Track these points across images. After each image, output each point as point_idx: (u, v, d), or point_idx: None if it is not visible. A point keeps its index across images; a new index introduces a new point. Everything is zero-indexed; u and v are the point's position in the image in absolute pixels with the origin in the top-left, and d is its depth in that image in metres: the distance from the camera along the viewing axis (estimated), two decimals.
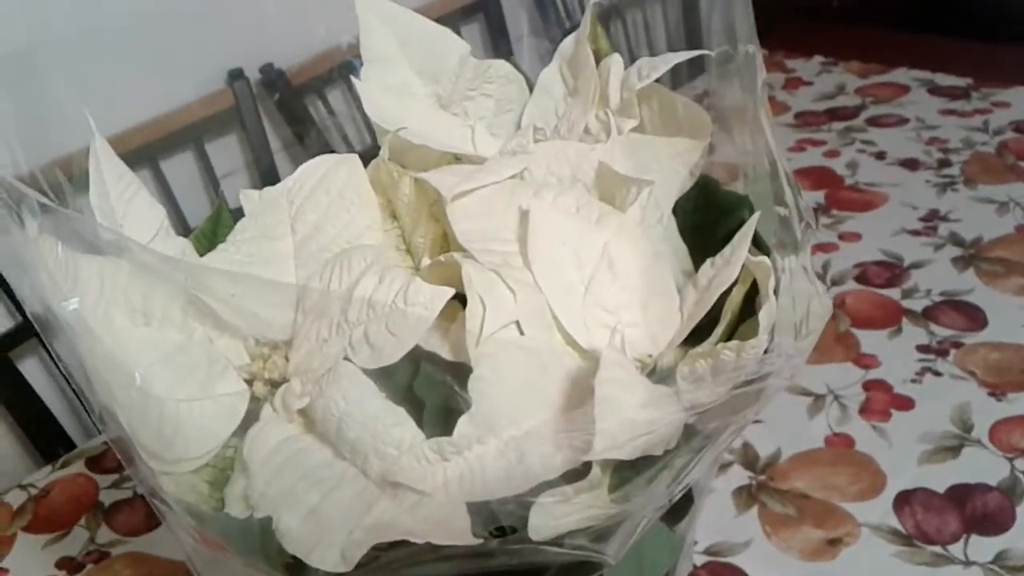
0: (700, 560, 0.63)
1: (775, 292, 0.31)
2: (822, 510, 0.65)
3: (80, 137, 0.36)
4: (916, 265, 0.90)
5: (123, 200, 0.35)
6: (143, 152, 1.09)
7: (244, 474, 0.30)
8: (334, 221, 0.36)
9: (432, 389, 0.32)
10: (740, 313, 0.33)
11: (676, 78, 0.42)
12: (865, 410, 0.73)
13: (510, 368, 0.30)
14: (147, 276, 0.31)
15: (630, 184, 0.36)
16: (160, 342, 0.31)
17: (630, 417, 0.27)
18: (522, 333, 0.31)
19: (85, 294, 0.30)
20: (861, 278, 0.89)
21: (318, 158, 0.38)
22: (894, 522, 0.64)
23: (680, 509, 0.32)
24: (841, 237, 0.96)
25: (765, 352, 0.30)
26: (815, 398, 0.75)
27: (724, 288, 0.32)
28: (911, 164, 1.07)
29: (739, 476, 0.69)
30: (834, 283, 0.89)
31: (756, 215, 0.33)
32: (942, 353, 0.78)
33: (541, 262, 0.33)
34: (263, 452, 0.30)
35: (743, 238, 0.32)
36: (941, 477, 0.66)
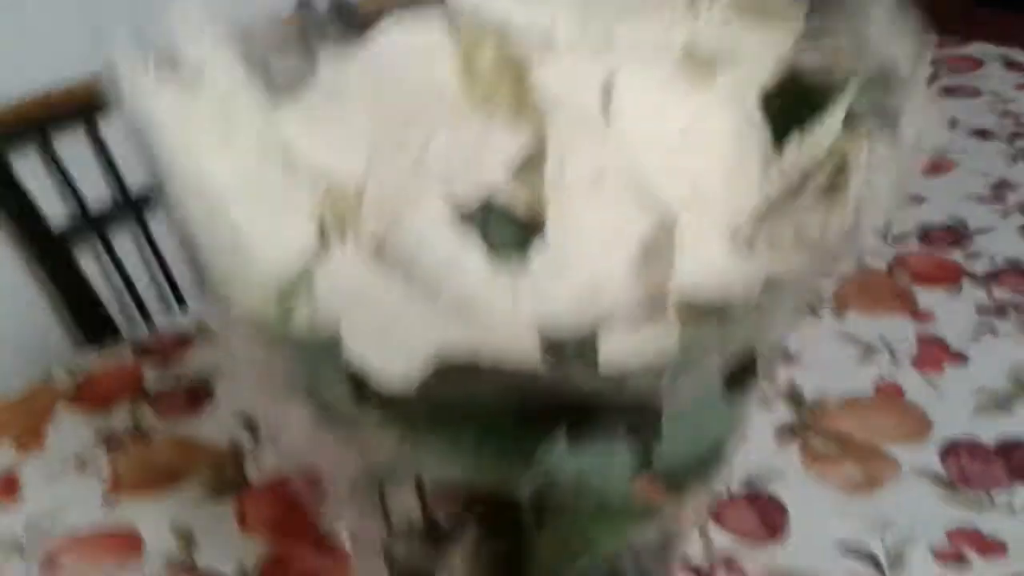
0: (738, 489, 0.63)
1: (865, 167, 0.30)
2: (865, 450, 0.65)
3: None
4: (981, 231, 0.88)
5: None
6: None
7: (311, 304, 0.31)
8: (413, 72, 0.36)
9: (504, 240, 0.32)
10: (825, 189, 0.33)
11: None
12: (918, 362, 0.72)
13: (588, 219, 0.30)
14: (229, 107, 0.32)
15: (717, 63, 0.35)
16: (239, 170, 0.32)
17: (709, 263, 0.27)
18: (601, 185, 0.31)
19: (170, 120, 0.30)
20: (924, 239, 0.88)
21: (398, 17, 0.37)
22: (938, 467, 0.63)
23: (742, 380, 0.32)
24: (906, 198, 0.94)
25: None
26: (867, 346, 0.75)
27: (811, 162, 0.32)
28: (982, 134, 1.05)
29: (782, 415, 0.69)
30: (896, 240, 0.87)
31: (849, 91, 0.32)
32: (1001, 314, 0.77)
33: (626, 122, 0.32)
34: (333, 280, 0.31)
35: (835, 112, 0.31)
36: (991, 430, 0.65)
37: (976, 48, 1.26)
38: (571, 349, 0.27)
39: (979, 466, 0.62)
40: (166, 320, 0.96)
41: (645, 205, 0.31)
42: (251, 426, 0.70)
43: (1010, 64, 1.21)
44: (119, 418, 0.73)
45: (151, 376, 0.78)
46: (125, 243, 1.16)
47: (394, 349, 0.27)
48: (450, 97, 0.36)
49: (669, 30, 0.38)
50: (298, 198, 0.33)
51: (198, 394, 0.75)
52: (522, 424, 0.29)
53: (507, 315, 0.28)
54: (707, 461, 0.32)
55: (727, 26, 0.38)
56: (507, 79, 0.37)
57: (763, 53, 0.38)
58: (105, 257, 1.12)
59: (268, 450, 0.67)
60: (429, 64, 0.37)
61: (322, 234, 0.33)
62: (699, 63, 0.36)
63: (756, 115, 0.38)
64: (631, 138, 0.33)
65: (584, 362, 0.27)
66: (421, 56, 0.37)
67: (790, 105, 0.38)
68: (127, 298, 1.15)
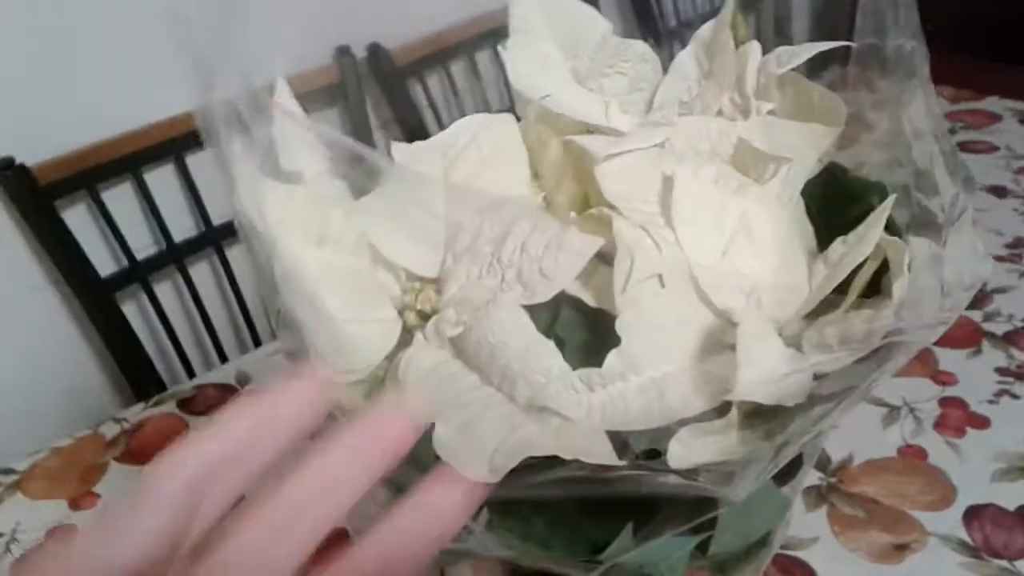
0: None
1: (907, 269, 0.33)
2: (891, 516, 0.67)
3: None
4: (1000, 290, 0.90)
5: (297, 138, 0.37)
6: None
7: (397, 392, 0.33)
8: (485, 174, 0.39)
9: (572, 331, 0.34)
10: (865, 292, 0.35)
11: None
12: (940, 425, 0.74)
13: (654, 315, 0.32)
14: (323, 204, 0.34)
15: (769, 160, 0.38)
16: (331, 265, 0.34)
17: (768, 367, 0.30)
18: (663, 286, 0.33)
19: (270, 213, 0.33)
20: None
21: (473, 116, 0.40)
22: (963, 534, 0.65)
23: (789, 471, 0.34)
24: None
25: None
26: (890, 409, 0.76)
27: (855, 264, 0.34)
28: (999, 192, 1.07)
29: (810, 476, 0.70)
30: None
31: (892, 196, 0.34)
32: (1021, 377, 0.79)
33: (683, 224, 0.35)
34: (416, 374, 0.33)
35: (879, 217, 0.34)
36: (1012, 496, 0.67)
37: (992, 103, 1.29)
38: (640, 449, 0.29)
39: (1003, 534, 0.64)
40: (208, 373, 0.98)
41: (702, 306, 0.33)
42: None
43: None
44: None
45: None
46: (167, 292, 1.19)
47: (478, 443, 0.30)
48: (521, 193, 0.39)
49: (722, 128, 0.40)
50: (381, 291, 0.35)
51: None
52: (590, 515, 0.31)
53: (581, 415, 0.30)
54: (756, 547, 0.34)
55: (774, 124, 0.41)
56: (569, 177, 0.40)
57: (808, 150, 0.41)
58: (149, 308, 1.14)
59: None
60: (499, 160, 0.40)
61: (406, 325, 0.35)
62: (749, 160, 0.39)
63: (801, 212, 0.40)
64: (687, 236, 0.35)
65: (652, 461, 0.29)
66: (492, 152, 0.40)
67: (834, 201, 0.41)
68: (170, 350, 1.18)
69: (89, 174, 1.09)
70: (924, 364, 0.81)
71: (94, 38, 1.10)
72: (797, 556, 0.64)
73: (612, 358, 0.31)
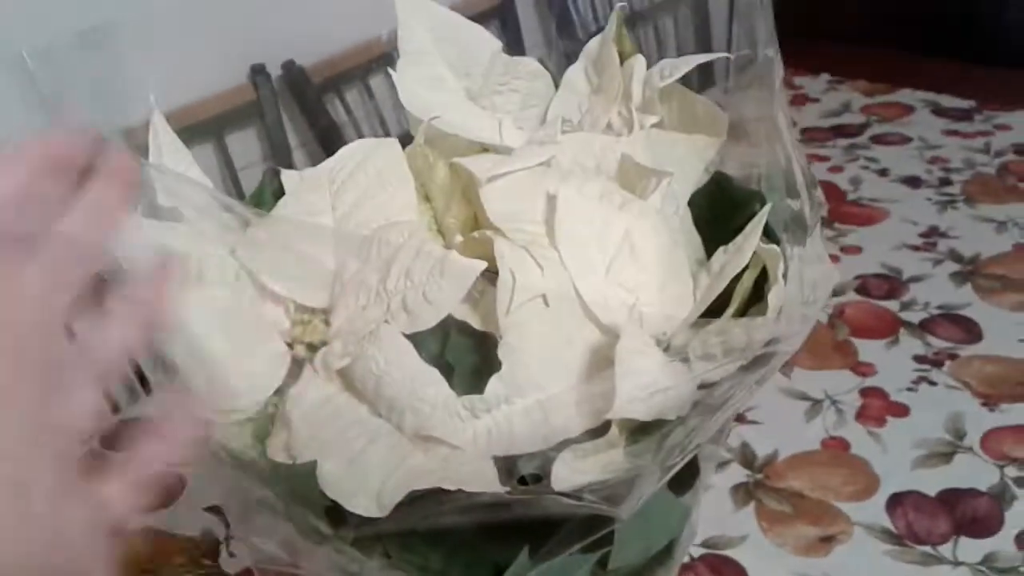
0: (698, 552, 0.65)
1: (783, 277, 0.33)
2: (817, 508, 0.68)
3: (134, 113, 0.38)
4: (915, 279, 0.92)
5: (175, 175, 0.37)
6: None
7: (286, 428, 0.33)
8: (372, 200, 0.38)
9: (461, 355, 0.34)
10: (749, 298, 0.36)
11: (686, 85, 0.45)
12: (861, 415, 0.76)
13: (537, 336, 0.32)
14: (202, 242, 0.34)
15: (651, 175, 0.38)
16: (211, 303, 0.34)
17: (646, 382, 0.30)
18: (547, 306, 0.34)
19: (146, 253, 0.32)
20: (861, 290, 0.91)
21: (358, 141, 0.40)
22: (886, 522, 0.66)
23: (686, 480, 0.35)
24: (843, 250, 0.98)
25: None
26: (813, 403, 0.78)
27: (735, 273, 0.35)
28: (913, 182, 1.10)
29: (737, 474, 0.71)
30: (835, 294, 0.91)
31: (768, 206, 0.35)
32: (938, 364, 0.80)
33: (566, 242, 0.35)
34: (304, 408, 0.33)
35: (755, 227, 0.34)
36: (933, 481, 0.69)
37: (905, 94, 1.32)
38: (526, 471, 0.29)
39: (925, 519, 0.65)
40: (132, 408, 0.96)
41: (588, 323, 0.34)
42: (224, 518, 0.71)
43: (937, 111, 1.27)
44: None
45: None
46: None
47: (364, 478, 0.30)
48: (408, 218, 0.39)
49: (606, 144, 0.41)
50: (269, 325, 0.35)
51: (171, 485, 0.76)
52: (487, 539, 0.31)
53: (467, 441, 0.30)
54: (659, 558, 0.35)
55: (660, 137, 0.42)
56: (459, 198, 0.40)
57: (694, 161, 0.41)
58: None
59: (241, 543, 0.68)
60: (386, 186, 0.40)
61: (294, 360, 0.35)
62: (632, 175, 0.40)
63: (688, 222, 0.41)
64: (571, 255, 0.35)
65: (538, 482, 0.29)
66: (378, 178, 0.40)
67: (720, 210, 0.41)
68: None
69: None
70: (844, 355, 0.82)
71: None
72: (727, 555, 0.65)
73: (494, 383, 0.31)
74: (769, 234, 0.36)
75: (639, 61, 0.43)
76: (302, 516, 0.31)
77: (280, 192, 0.42)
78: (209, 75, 1.15)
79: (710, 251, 0.39)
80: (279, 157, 1.18)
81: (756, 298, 0.35)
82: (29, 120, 0.30)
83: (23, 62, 0.29)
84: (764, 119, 0.37)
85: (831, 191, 1.09)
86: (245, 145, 1.22)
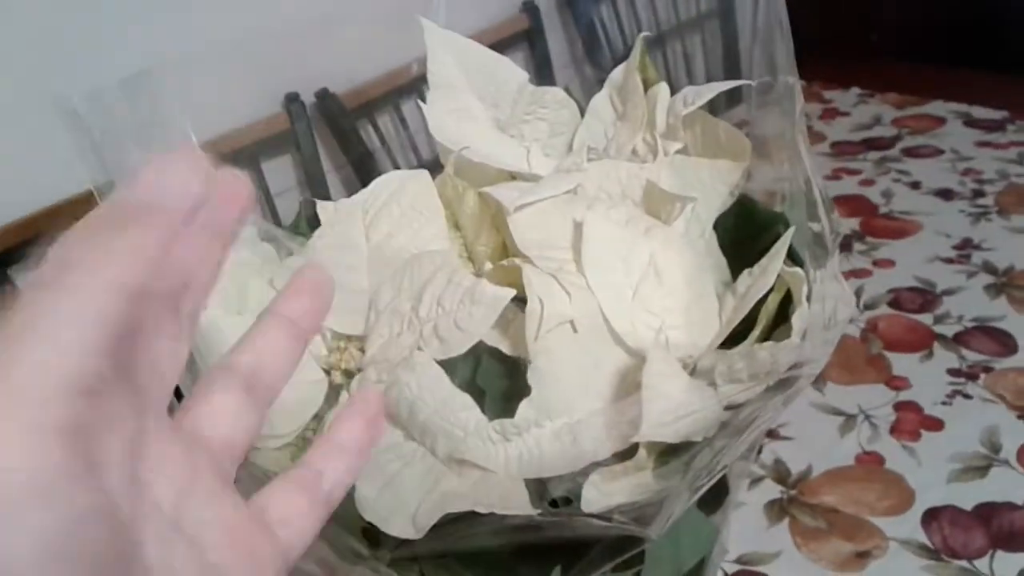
0: (732, 568, 0.65)
1: (807, 299, 0.34)
2: (851, 524, 0.68)
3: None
4: (948, 292, 0.92)
5: None
6: None
7: None
8: (404, 230, 0.40)
9: (492, 380, 0.35)
10: (774, 319, 0.36)
11: (714, 109, 0.46)
12: (895, 430, 0.75)
13: (565, 361, 0.33)
14: (242, 271, 0.35)
15: (675, 200, 0.39)
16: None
17: (673, 405, 0.31)
18: (575, 331, 0.35)
19: None
20: (894, 303, 0.91)
21: (391, 173, 0.42)
22: (922, 537, 0.65)
23: (715, 498, 0.35)
24: (875, 264, 0.98)
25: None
26: (847, 418, 0.78)
27: (760, 296, 0.35)
28: (945, 194, 1.09)
29: (771, 490, 0.71)
30: (867, 308, 0.91)
31: (791, 230, 0.36)
32: (972, 377, 0.80)
33: (593, 268, 0.36)
34: None
35: (779, 250, 0.35)
36: (969, 495, 0.68)
37: (936, 106, 1.31)
38: (556, 493, 0.30)
39: (961, 534, 0.65)
40: None
41: (615, 348, 0.35)
42: None
43: (968, 122, 1.26)
44: None
45: None
46: None
47: (400, 501, 0.31)
48: (439, 247, 0.40)
49: (631, 170, 0.42)
50: (307, 353, 0.36)
51: None
52: (521, 560, 0.32)
53: (499, 465, 0.31)
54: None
55: (684, 163, 0.43)
56: (488, 226, 0.41)
57: (718, 186, 0.42)
58: None
59: None
60: (418, 216, 0.41)
61: (331, 386, 0.36)
62: (657, 200, 0.40)
63: (714, 246, 0.42)
64: (598, 281, 0.36)
65: (569, 504, 0.30)
66: (410, 208, 0.41)
67: (746, 232, 0.42)
68: None
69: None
70: (878, 369, 0.82)
71: None
72: (761, 571, 0.65)
73: (524, 407, 0.32)
74: (793, 256, 0.37)
75: (663, 89, 0.44)
76: (339, 537, 0.32)
77: (316, 222, 0.43)
78: (246, 105, 1.18)
79: (735, 273, 0.40)
80: (314, 183, 1.20)
81: (779, 320, 0.36)
82: (84, 161, 0.31)
83: (72, 108, 0.31)
84: (786, 144, 0.38)
85: (863, 205, 1.09)
86: (281, 172, 1.25)
